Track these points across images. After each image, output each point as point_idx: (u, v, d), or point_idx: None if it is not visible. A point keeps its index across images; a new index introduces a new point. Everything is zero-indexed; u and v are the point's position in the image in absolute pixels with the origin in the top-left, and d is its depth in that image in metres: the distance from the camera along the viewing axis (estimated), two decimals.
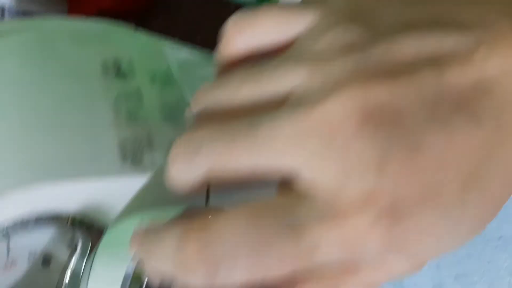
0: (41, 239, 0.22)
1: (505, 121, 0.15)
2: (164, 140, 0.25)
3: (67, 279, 0.21)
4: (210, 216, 0.16)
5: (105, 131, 0.24)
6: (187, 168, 0.17)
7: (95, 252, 0.21)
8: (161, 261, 0.16)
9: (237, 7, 0.54)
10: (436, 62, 0.15)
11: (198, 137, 0.17)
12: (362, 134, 0.15)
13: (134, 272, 0.19)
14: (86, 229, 0.22)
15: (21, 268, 0.21)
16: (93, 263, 0.20)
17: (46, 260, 0.21)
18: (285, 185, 0.16)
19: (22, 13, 0.58)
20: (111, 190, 0.23)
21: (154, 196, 0.23)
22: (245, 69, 0.19)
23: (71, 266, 0.21)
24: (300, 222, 0.15)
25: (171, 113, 0.27)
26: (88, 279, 0.20)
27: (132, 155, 0.24)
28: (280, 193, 0.16)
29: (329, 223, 0.15)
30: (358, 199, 0.15)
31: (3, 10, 0.56)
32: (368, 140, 0.15)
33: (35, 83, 0.24)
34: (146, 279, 0.19)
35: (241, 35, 0.19)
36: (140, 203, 0.23)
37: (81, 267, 0.21)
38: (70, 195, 0.22)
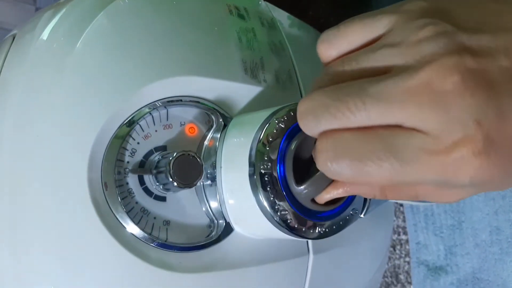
0: (188, 113, 0.30)
1: None
2: (272, 66, 0.33)
3: (207, 142, 0.29)
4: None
5: (233, 51, 0.32)
6: (313, 123, 0.22)
7: (226, 129, 0.29)
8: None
9: None
10: (507, 50, 0.19)
11: (319, 99, 0.21)
12: (462, 92, 0.18)
13: (257, 144, 0.26)
14: (219, 114, 0.30)
15: (174, 130, 0.30)
16: (226, 135, 0.28)
17: (191, 128, 0.29)
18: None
19: None
20: (236, 92, 0.31)
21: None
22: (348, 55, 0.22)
23: (209, 136, 0.29)
24: (405, 148, 0.19)
25: (276, 49, 0.35)
26: (222, 145, 0.28)
27: (251, 71, 0.32)
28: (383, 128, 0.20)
29: (432, 153, 0.18)
30: (459, 140, 0.18)
31: None
32: (468, 97, 0.18)
33: (187, 15, 0.32)
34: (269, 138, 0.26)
35: (331, 49, 0.23)
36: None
37: (217, 137, 0.29)
38: (209, 88, 0.30)
